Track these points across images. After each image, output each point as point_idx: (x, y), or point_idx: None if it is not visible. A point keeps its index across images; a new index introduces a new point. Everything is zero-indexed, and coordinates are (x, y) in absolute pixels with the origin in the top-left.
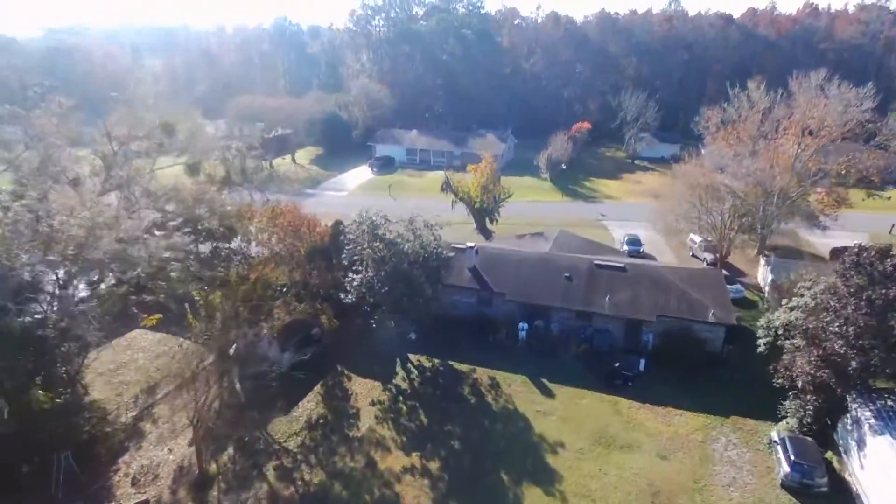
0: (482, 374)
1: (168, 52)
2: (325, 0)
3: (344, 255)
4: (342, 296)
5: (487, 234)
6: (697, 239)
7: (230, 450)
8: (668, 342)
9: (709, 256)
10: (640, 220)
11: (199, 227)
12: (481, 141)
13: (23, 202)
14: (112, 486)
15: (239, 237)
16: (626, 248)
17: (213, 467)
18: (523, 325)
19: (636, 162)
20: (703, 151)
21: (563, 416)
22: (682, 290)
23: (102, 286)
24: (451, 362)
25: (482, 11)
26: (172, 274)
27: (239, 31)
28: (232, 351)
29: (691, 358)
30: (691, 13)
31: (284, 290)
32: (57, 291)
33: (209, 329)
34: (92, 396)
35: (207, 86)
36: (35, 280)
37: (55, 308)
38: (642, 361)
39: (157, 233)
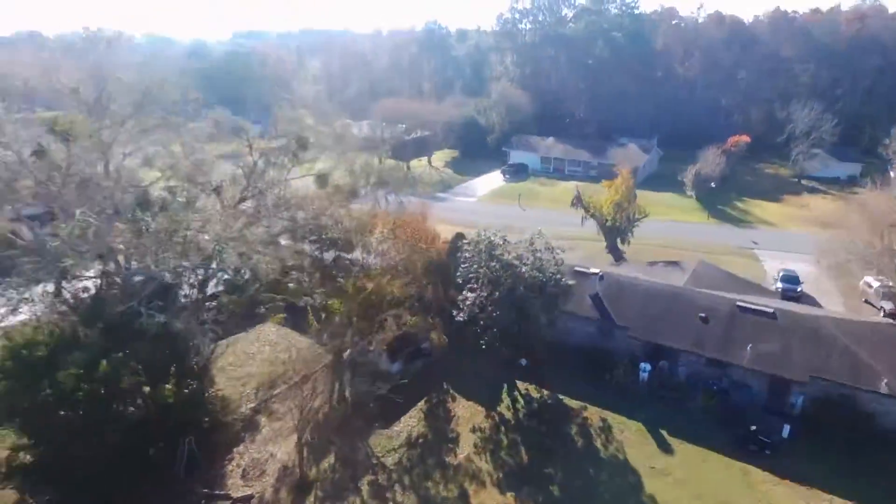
0: (593, 413)
1: (328, 54)
2: (477, 2)
3: (459, 273)
4: (454, 313)
5: (618, 255)
6: (875, 283)
7: (332, 457)
8: (824, 409)
9: (888, 306)
10: (801, 252)
11: (324, 236)
12: (621, 151)
13: (164, 214)
14: (225, 474)
15: (359, 248)
16: (779, 286)
17: (314, 472)
18: (645, 366)
19: (803, 182)
20: (891, 175)
21: (681, 478)
22: (848, 348)
23: (223, 294)
24: (560, 396)
25: (636, 12)
26: (290, 285)
27: (393, 34)
28: (346, 355)
29: (853, 433)
30: (891, 9)
31: (399, 301)
32: (195, 292)
33: (327, 331)
34: (217, 386)
35: (358, 87)
36: (173, 282)
37: (188, 308)
38: (787, 427)
39: (284, 242)
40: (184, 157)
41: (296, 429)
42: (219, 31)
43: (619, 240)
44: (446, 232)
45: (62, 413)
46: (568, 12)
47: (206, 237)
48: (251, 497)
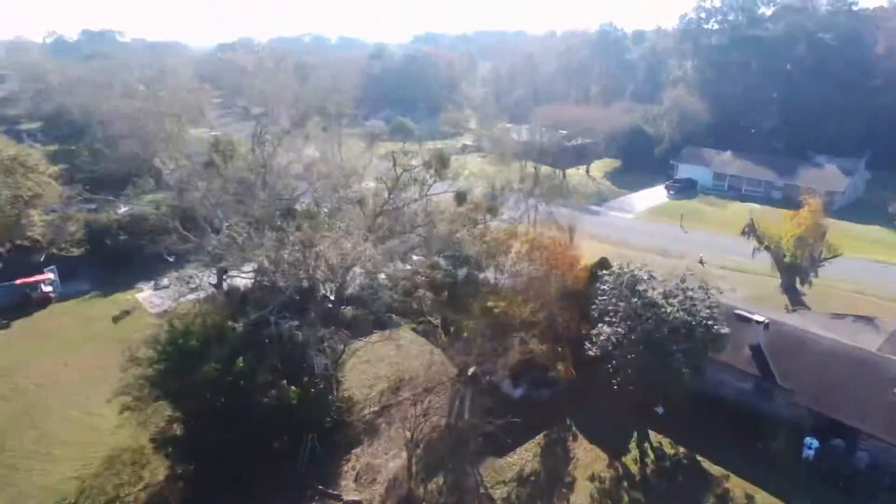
0: (737, 486)
1: (499, 56)
2: (658, 2)
3: (595, 305)
4: (587, 345)
5: (795, 299)
6: None
7: (441, 479)
8: None
9: None
10: None
11: (457, 253)
12: (816, 172)
13: (307, 224)
14: (340, 474)
15: (492, 267)
16: None
17: (422, 491)
18: (812, 442)
19: None
20: None
21: None
22: None
23: (350, 308)
24: (699, 457)
25: (854, 8)
26: (413, 305)
27: (567, 35)
28: (470, 372)
29: None
30: None
31: (528, 326)
32: (329, 298)
33: (454, 347)
34: (345, 385)
35: (524, 90)
36: (306, 293)
37: (320, 315)
38: None
39: (416, 257)
40: (337, 168)
41: (407, 444)
42: (400, 33)
43: (797, 280)
44: (593, 250)
45: (207, 396)
46: (766, 11)
47: (336, 253)
48: (359, 503)
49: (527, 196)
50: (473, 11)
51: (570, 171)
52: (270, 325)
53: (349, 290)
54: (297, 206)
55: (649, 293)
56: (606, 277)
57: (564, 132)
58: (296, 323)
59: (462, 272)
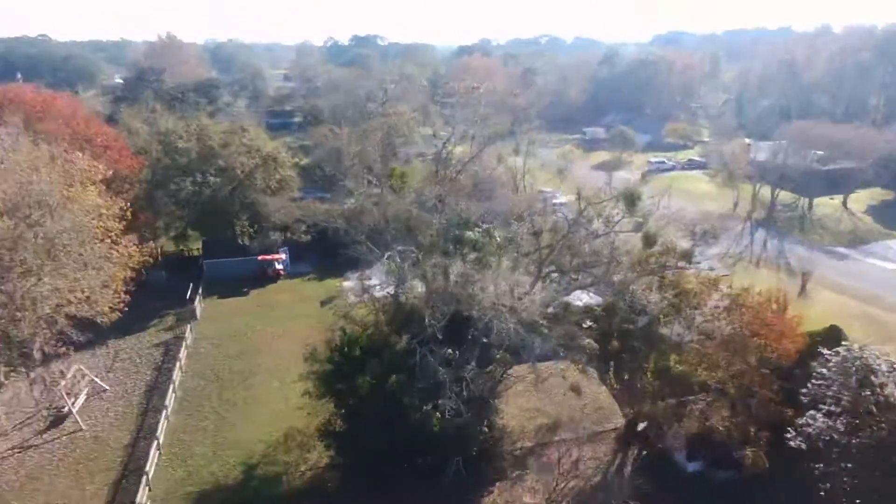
0: None
1: (750, 59)
2: None
3: (808, 389)
4: (789, 432)
5: None
6: None
7: None
8: None
9: None
10: None
11: (634, 302)
12: None
13: (461, 264)
14: None
15: (680, 321)
16: None
17: None
18: None
19: None
20: None
21: None
22: None
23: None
24: None
25: None
26: (576, 354)
27: (847, 32)
28: (640, 428)
29: None
30: None
31: (716, 394)
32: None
33: (625, 397)
34: (503, 413)
35: (773, 100)
36: (463, 325)
37: (470, 350)
38: None
39: (587, 297)
40: (517, 193)
41: (549, 498)
42: (640, 33)
43: None
44: (829, 306)
45: (365, 402)
46: None
47: (493, 293)
48: None
49: (754, 227)
50: (725, 6)
51: (818, 201)
52: (416, 355)
53: (503, 333)
54: (470, 233)
55: (888, 389)
56: (829, 356)
57: (820, 153)
58: (448, 350)
59: (643, 321)
